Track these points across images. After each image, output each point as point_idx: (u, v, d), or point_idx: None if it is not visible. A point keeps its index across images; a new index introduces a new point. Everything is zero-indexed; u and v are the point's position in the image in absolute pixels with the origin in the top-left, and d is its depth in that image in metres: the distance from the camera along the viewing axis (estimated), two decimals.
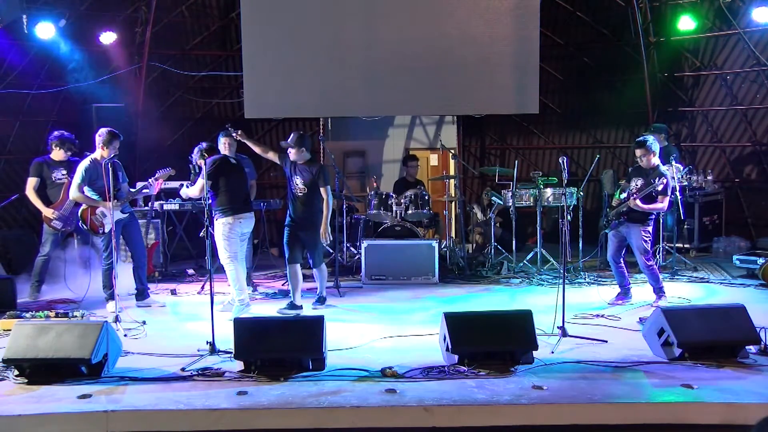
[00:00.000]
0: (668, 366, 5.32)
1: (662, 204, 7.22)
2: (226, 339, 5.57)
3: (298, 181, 7.13)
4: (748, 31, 10.32)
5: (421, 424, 4.55)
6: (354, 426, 4.54)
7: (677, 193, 9.07)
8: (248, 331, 5.36)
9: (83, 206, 7.37)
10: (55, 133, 8.19)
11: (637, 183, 7.34)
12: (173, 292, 8.28)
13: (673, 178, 8.79)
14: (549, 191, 9.15)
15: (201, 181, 6.93)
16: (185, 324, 6.92)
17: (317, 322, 5.44)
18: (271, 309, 7.37)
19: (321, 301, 7.48)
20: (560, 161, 6.27)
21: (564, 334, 5.89)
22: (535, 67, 10.48)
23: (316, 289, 7.54)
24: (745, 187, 11.17)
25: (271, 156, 7.43)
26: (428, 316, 6.94)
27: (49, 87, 10.41)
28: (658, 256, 8.97)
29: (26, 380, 5.08)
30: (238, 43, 11.36)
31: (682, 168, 9.35)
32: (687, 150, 11.63)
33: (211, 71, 12.38)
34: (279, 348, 5.30)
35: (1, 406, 4.64)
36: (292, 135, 7.17)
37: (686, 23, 10.50)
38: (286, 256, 7.23)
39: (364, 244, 8.76)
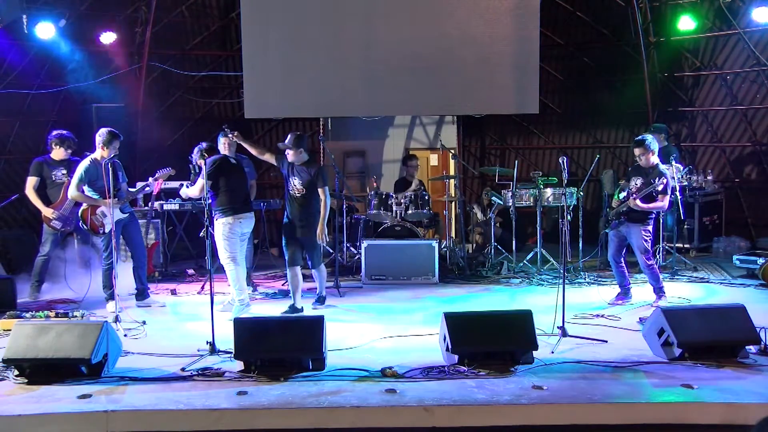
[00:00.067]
0: (668, 366, 5.32)
1: (662, 203, 7.22)
2: (226, 339, 5.56)
3: (296, 182, 7.10)
4: (748, 31, 10.32)
5: (421, 424, 4.55)
6: (354, 426, 4.54)
7: (677, 193, 9.08)
8: (248, 331, 5.36)
9: (83, 206, 7.36)
10: (54, 132, 8.20)
11: (636, 182, 7.35)
12: (173, 292, 8.28)
13: (673, 178, 8.80)
14: (549, 191, 9.15)
15: (201, 181, 6.93)
16: (185, 324, 6.92)
17: (317, 322, 5.44)
18: (271, 309, 7.37)
19: (321, 301, 7.48)
20: (560, 161, 6.26)
21: (564, 334, 5.89)
22: (535, 67, 10.48)
23: (316, 289, 7.55)
24: (745, 187, 11.17)
25: (268, 157, 7.37)
26: (428, 316, 6.94)
27: (49, 87, 10.42)
28: (658, 256, 8.97)
29: (26, 380, 5.08)
30: (238, 43, 11.36)
31: (682, 168, 9.35)
32: (687, 150, 11.63)
33: (211, 71, 12.38)
34: (279, 348, 5.30)
35: (1, 406, 4.64)
36: (289, 136, 7.14)
37: (686, 23, 10.51)
38: (286, 258, 7.21)
39: (364, 244, 8.76)
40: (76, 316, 6.66)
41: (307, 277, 7.84)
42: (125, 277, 7.53)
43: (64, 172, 8.02)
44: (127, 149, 9.45)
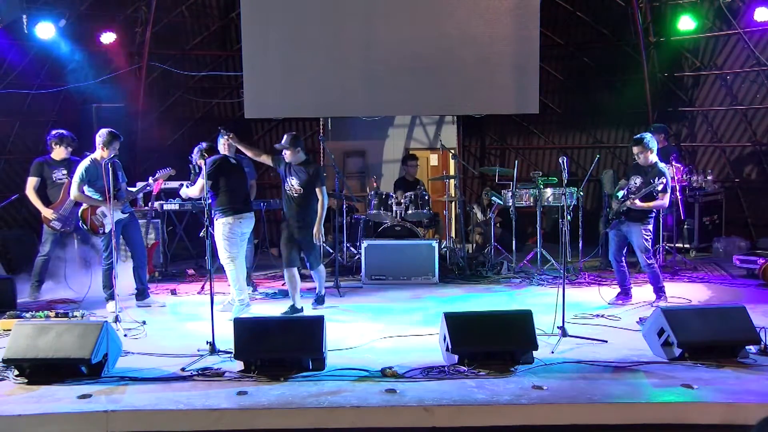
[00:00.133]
0: (668, 366, 5.32)
1: (663, 201, 7.23)
2: (226, 339, 5.56)
3: (294, 182, 7.07)
4: (748, 31, 10.32)
5: (421, 424, 4.55)
6: (354, 426, 4.54)
7: (677, 193, 9.09)
8: (248, 331, 5.36)
9: (83, 206, 7.36)
10: (54, 132, 8.21)
11: (636, 181, 7.35)
12: (173, 292, 8.28)
13: (673, 178, 8.81)
14: (549, 191, 9.15)
15: (201, 181, 6.93)
16: (185, 324, 6.92)
17: (317, 322, 5.44)
18: (271, 309, 7.37)
19: (320, 300, 7.47)
20: (560, 161, 6.26)
21: (564, 334, 5.89)
22: (535, 67, 10.48)
23: (315, 288, 7.54)
24: (745, 187, 11.17)
25: (264, 159, 7.35)
26: (428, 316, 6.94)
27: (49, 87, 10.42)
28: (657, 256, 8.97)
29: (26, 380, 5.08)
30: (238, 43, 11.36)
31: (682, 168, 9.36)
32: (687, 150, 11.63)
33: (211, 71, 12.38)
34: (279, 348, 5.30)
35: (1, 406, 4.64)
36: (286, 136, 7.10)
37: (686, 23, 10.51)
38: (284, 260, 7.17)
39: (364, 244, 8.76)
40: (76, 316, 6.66)
41: (306, 277, 7.85)
42: (125, 277, 7.53)
43: (65, 172, 8.03)
44: (127, 149, 9.46)
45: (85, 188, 7.28)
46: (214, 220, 7.11)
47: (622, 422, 4.59)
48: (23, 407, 4.62)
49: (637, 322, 6.50)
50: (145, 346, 6.00)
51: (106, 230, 7.25)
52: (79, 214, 7.43)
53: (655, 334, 5.59)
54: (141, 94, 11.35)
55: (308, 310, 7.25)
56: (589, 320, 6.75)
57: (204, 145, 7.27)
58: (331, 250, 8.96)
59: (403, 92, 10.54)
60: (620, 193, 7.42)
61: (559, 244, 6.52)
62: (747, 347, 5.49)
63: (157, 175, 7.56)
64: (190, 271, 9.36)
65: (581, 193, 9.12)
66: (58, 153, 8.08)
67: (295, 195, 7.09)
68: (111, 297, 7.06)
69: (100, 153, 7.28)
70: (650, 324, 5.73)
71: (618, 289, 7.55)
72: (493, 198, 9.94)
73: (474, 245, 10.67)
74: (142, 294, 7.59)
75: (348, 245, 9.73)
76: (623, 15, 11.29)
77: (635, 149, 7.34)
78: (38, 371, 5.12)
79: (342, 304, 7.70)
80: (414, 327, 6.60)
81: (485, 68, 10.49)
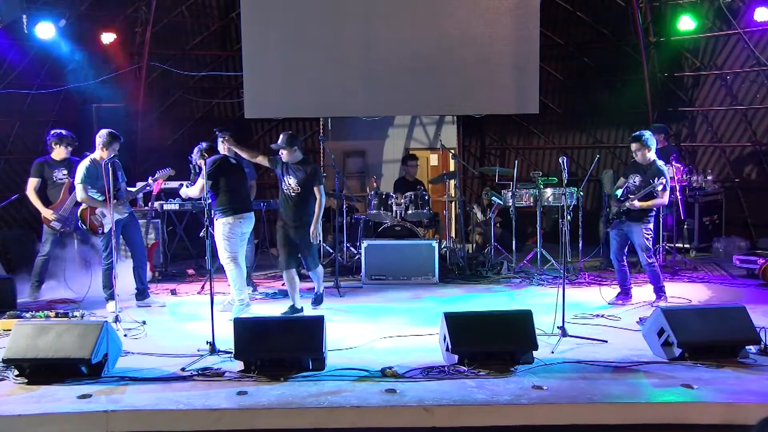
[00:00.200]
0: (668, 366, 5.32)
1: (662, 199, 7.23)
2: (226, 339, 5.56)
3: (291, 182, 7.02)
4: (748, 31, 10.32)
5: (421, 424, 4.55)
6: (354, 426, 4.54)
7: (677, 193, 9.09)
8: (248, 331, 5.36)
9: (83, 206, 7.36)
10: (53, 132, 8.20)
11: (634, 180, 7.35)
12: (173, 292, 8.28)
13: (673, 178, 8.81)
14: (549, 191, 9.14)
15: (201, 181, 6.93)
16: (185, 324, 6.91)
17: (317, 322, 5.44)
18: (271, 309, 7.37)
19: (318, 300, 7.42)
20: (560, 161, 6.26)
21: (564, 334, 5.89)
22: (535, 67, 10.48)
23: (314, 288, 7.51)
24: (745, 187, 11.17)
25: (260, 160, 7.27)
26: (428, 316, 6.93)
27: (49, 87, 10.42)
28: (657, 256, 8.97)
29: (26, 380, 5.08)
30: (238, 43, 11.36)
31: (682, 168, 9.36)
32: (687, 150, 11.63)
33: (211, 71, 12.39)
34: (279, 348, 5.30)
35: (1, 406, 4.64)
36: (282, 136, 7.05)
37: (686, 23, 10.51)
38: (282, 261, 7.14)
39: (364, 244, 8.76)
40: (76, 316, 6.66)
41: (306, 277, 7.82)
42: (125, 277, 7.53)
43: (65, 172, 8.03)
44: (127, 149, 9.45)
45: (88, 189, 7.27)
46: (214, 220, 7.11)
47: (622, 422, 4.59)
48: (23, 407, 4.62)
49: (637, 322, 6.50)
50: (145, 346, 5.99)
51: (105, 230, 7.25)
52: (79, 214, 7.43)
53: (655, 334, 5.59)
54: (141, 94, 11.35)
55: (308, 310, 7.25)
56: (589, 320, 6.75)
57: (204, 145, 7.26)
58: (331, 250, 8.95)
59: (403, 92, 10.54)
60: (619, 192, 7.42)
61: (559, 244, 6.52)
62: (747, 347, 5.49)
63: (156, 176, 7.56)
64: (190, 271, 9.36)
65: (581, 193, 9.12)
66: (58, 153, 8.08)
67: (293, 194, 7.04)
68: (111, 297, 7.06)
69: (99, 153, 7.28)
70: (650, 324, 5.73)
71: (618, 289, 7.55)
72: (493, 198, 9.94)
73: (474, 245, 10.67)
74: (142, 294, 7.59)
75: (348, 245, 9.73)
76: (623, 15, 11.29)
77: (633, 146, 7.34)
78: (38, 371, 5.12)
79: (342, 304, 7.70)
80: (414, 327, 6.60)
81: (485, 68, 10.49)
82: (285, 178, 7.06)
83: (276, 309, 7.30)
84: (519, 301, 7.81)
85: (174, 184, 8.91)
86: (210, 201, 6.91)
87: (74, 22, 10.10)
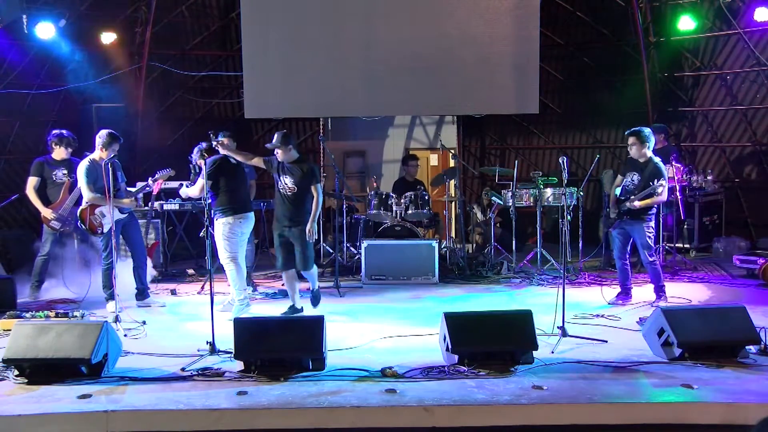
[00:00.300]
0: (668, 366, 5.32)
1: (662, 196, 7.23)
2: (226, 339, 5.56)
3: (288, 181, 6.95)
4: (748, 31, 10.32)
5: (421, 424, 4.55)
6: (354, 426, 4.54)
7: (677, 193, 9.09)
8: (248, 331, 5.36)
9: (82, 206, 7.36)
10: (54, 132, 8.21)
11: (632, 178, 7.35)
12: (173, 292, 8.28)
13: (672, 178, 8.81)
14: (549, 191, 9.14)
15: (201, 181, 6.92)
16: (185, 324, 6.92)
17: (317, 322, 5.44)
18: (271, 309, 7.37)
19: (316, 298, 7.29)
20: (560, 161, 6.26)
21: (564, 334, 5.89)
22: (535, 67, 10.48)
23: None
24: (745, 187, 11.17)
25: (256, 162, 7.20)
26: (428, 316, 6.93)
27: (49, 87, 10.42)
28: (658, 256, 8.97)
29: (26, 380, 5.08)
30: (238, 43, 11.37)
31: (682, 168, 9.36)
32: (687, 150, 11.63)
33: (211, 71, 12.39)
34: (279, 348, 5.30)
35: (1, 406, 4.64)
36: (276, 135, 6.97)
37: (686, 23, 10.51)
38: (279, 262, 7.10)
39: (364, 244, 8.76)
40: (76, 316, 6.66)
41: (304, 277, 7.81)
42: (125, 276, 7.53)
43: (65, 172, 8.03)
44: (127, 149, 9.45)
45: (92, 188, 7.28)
46: (214, 220, 7.10)
47: (622, 422, 4.59)
48: (23, 407, 4.62)
49: (637, 322, 6.50)
50: (145, 346, 5.99)
51: (105, 230, 7.25)
52: (78, 214, 7.42)
53: (655, 334, 5.59)
54: (141, 94, 11.36)
55: (308, 309, 7.23)
56: (589, 320, 6.75)
57: (204, 145, 7.25)
58: (331, 250, 8.94)
59: (403, 92, 10.53)
60: (617, 190, 7.43)
61: (559, 244, 6.52)
62: (747, 347, 5.49)
63: (156, 176, 7.55)
64: (190, 271, 9.36)
65: (581, 193, 9.12)
66: (59, 153, 8.09)
67: (289, 194, 6.96)
68: (111, 297, 7.06)
69: (99, 154, 7.27)
70: (650, 324, 5.73)
71: (618, 289, 7.55)
72: (493, 198, 9.94)
73: (474, 245, 10.67)
74: (142, 294, 7.59)
75: (348, 245, 9.73)
76: (623, 15, 11.29)
77: (630, 140, 7.33)
78: (38, 371, 5.12)
79: (342, 304, 7.70)
80: (414, 327, 6.60)
81: (485, 68, 10.48)
82: (281, 178, 6.99)
83: (276, 309, 7.30)
84: (519, 301, 7.81)
85: (174, 184, 8.91)
86: (210, 201, 6.90)
87: (74, 22, 10.10)
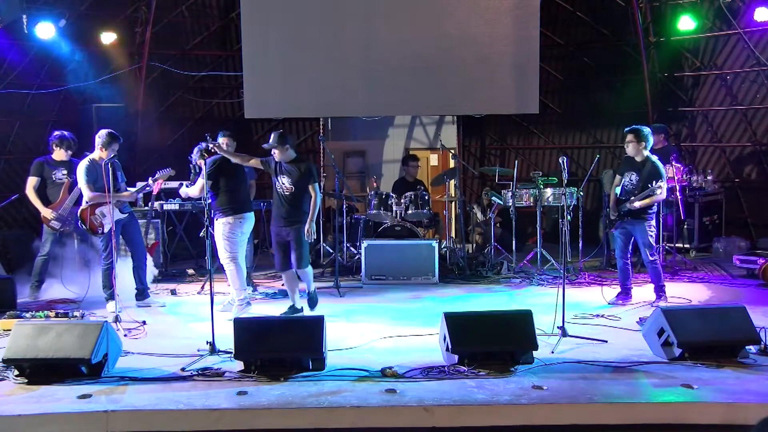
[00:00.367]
0: (668, 366, 5.32)
1: (660, 195, 7.23)
2: (226, 339, 5.56)
3: (285, 181, 6.91)
4: (748, 31, 10.32)
5: (421, 424, 4.55)
6: (354, 426, 4.54)
7: (677, 193, 9.09)
8: (248, 331, 5.36)
9: (82, 206, 7.36)
10: (56, 133, 8.21)
11: (631, 178, 7.34)
12: (173, 292, 8.28)
13: (672, 178, 8.81)
14: (549, 191, 9.14)
15: (201, 181, 6.92)
16: (185, 324, 6.92)
17: (317, 322, 5.44)
18: (271, 309, 7.37)
19: (312, 301, 7.19)
20: (560, 161, 6.26)
21: (564, 334, 5.89)
22: (535, 67, 10.47)
23: (317, 289, 7.44)
24: (745, 187, 11.17)
25: (254, 163, 7.15)
26: (428, 316, 6.92)
27: (49, 87, 10.42)
28: (658, 255, 8.97)
29: (26, 380, 5.08)
30: (238, 43, 11.37)
31: (682, 168, 9.36)
32: (687, 150, 11.63)
33: (211, 71, 12.39)
34: (279, 348, 5.30)
35: (1, 406, 4.64)
36: (272, 135, 6.93)
37: (686, 23, 10.50)
38: (278, 263, 7.07)
39: (364, 244, 8.76)
40: (76, 316, 6.66)
41: None
42: (125, 277, 7.53)
43: (65, 172, 8.03)
44: (127, 149, 9.45)
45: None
46: (214, 220, 7.10)
47: (622, 422, 4.59)
48: (23, 407, 4.62)
49: (637, 322, 6.50)
50: (145, 346, 5.99)
51: (105, 230, 7.25)
52: (78, 214, 7.42)
53: (655, 334, 5.59)
54: (141, 94, 11.36)
55: (308, 310, 7.23)
56: (589, 320, 6.75)
57: (204, 145, 7.22)
58: (331, 250, 8.94)
59: (403, 92, 10.53)
60: (618, 190, 7.43)
61: (559, 244, 6.52)
62: (747, 347, 5.49)
63: (156, 176, 7.54)
64: (190, 271, 9.36)
65: (581, 193, 9.12)
66: (59, 155, 8.09)
67: (287, 194, 6.92)
68: (111, 297, 7.06)
69: (99, 153, 7.28)
70: (650, 324, 5.73)
71: (618, 289, 7.55)
72: (493, 198, 9.94)
73: (474, 245, 10.67)
74: (142, 294, 7.59)
75: (348, 245, 9.73)
76: (623, 15, 11.29)
77: (628, 137, 7.32)
78: (38, 371, 5.12)
79: (342, 304, 7.70)
80: (414, 327, 6.60)
81: (485, 68, 10.48)
82: (278, 178, 6.95)
83: (276, 309, 7.30)
84: (519, 301, 7.81)
85: (174, 184, 8.91)
86: (210, 201, 6.90)
87: (74, 22, 10.10)
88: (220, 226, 7.08)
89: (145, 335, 6.35)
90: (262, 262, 9.53)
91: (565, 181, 6.22)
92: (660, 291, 7.39)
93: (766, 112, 10.74)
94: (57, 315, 6.60)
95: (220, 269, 7.21)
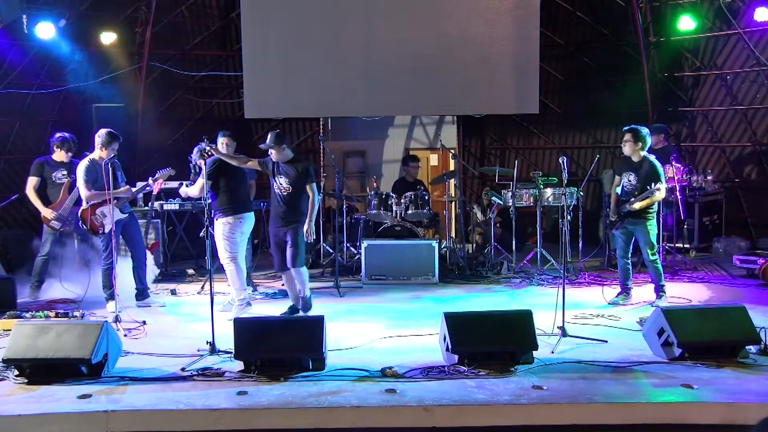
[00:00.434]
0: (668, 366, 5.32)
1: (661, 195, 7.23)
2: (226, 339, 5.57)
3: (282, 181, 6.89)
4: (748, 31, 10.32)
5: (421, 424, 4.55)
6: (354, 426, 4.54)
7: (677, 193, 9.09)
8: (248, 331, 5.36)
9: (83, 206, 7.36)
10: (57, 134, 8.21)
11: (629, 179, 7.34)
12: (173, 292, 8.28)
13: (672, 178, 8.81)
14: (549, 191, 9.14)
15: (201, 181, 6.92)
16: (185, 324, 6.92)
17: (317, 322, 5.44)
18: (271, 309, 7.37)
19: (306, 305, 7.07)
20: (560, 161, 6.26)
21: (564, 334, 5.89)
22: (535, 67, 10.47)
23: (317, 289, 7.42)
24: (745, 187, 11.17)
25: (252, 165, 7.14)
26: (428, 316, 6.92)
27: (49, 87, 10.42)
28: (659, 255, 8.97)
29: (26, 380, 5.08)
30: (238, 43, 11.36)
31: (682, 168, 9.35)
32: (687, 150, 11.63)
33: (211, 71, 12.39)
34: (279, 348, 5.30)
35: (1, 406, 4.64)
36: (269, 135, 6.92)
37: (686, 23, 10.50)
38: (277, 264, 7.06)
39: (364, 244, 8.76)
40: (76, 316, 6.66)
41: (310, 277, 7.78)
42: (125, 277, 7.53)
43: (65, 172, 8.03)
44: (127, 149, 9.45)
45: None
46: (214, 220, 7.10)
47: (622, 422, 4.60)
48: (23, 407, 4.62)
49: (637, 322, 6.50)
50: (145, 346, 6.00)
51: (106, 230, 7.25)
52: (79, 214, 7.42)
53: (655, 334, 5.59)
54: (141, 94, 11.35)
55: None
56: (589, 320, 6.75)
57: (203, 145, 7.24)
58: (331, 250, 8.93)
59: (403, 92, 10.53)
60: (618, 189, 7.43)
61: (559, 244, 6.52)
62: (747, 347, 5.50)
63: (156, 176, 7.54)
64: (190, 271, 9.35)
65: (581, 193, 9.12)
66: (59, 156, 8.10)
67: (285, 194, 6.90)
68: (111, 297, 7.06)
69: (98, 153, 7.28)
70: (650, 324, 5.73)
71: (618, 289, 7.55)
72: (493, 198, 9.94)
73: (474, 245, 10.67)
74: (142, 294, 7.60)
75: (348, 245, 9.73)
76: (623, 15, 11.28)
77: (626, 136, 7.32)
78: (38, 371, 5.12)
79: (342, 304, 7.70)
80: (414, 327, 6.60)
81: (485, 68, 10.48)
82: (276, 178, 6.94)
83: (276, 309, 7.30)
84: (519, 301, 7.81)
85: (174, 184, 8.90)
86: (210, 201, 6.90)
87: (74, 22, 10.10)
88: (220, 226, 7.08)
89: (145, 335, 6.35)
90: (262, 262, 9.53)
91: (565, 181, 6.22)
92: (660, 290, 7.38)
93: (766, 112, 10.74)
94: (57, 315, 6.61)
95: (220, 269, 7.21)
